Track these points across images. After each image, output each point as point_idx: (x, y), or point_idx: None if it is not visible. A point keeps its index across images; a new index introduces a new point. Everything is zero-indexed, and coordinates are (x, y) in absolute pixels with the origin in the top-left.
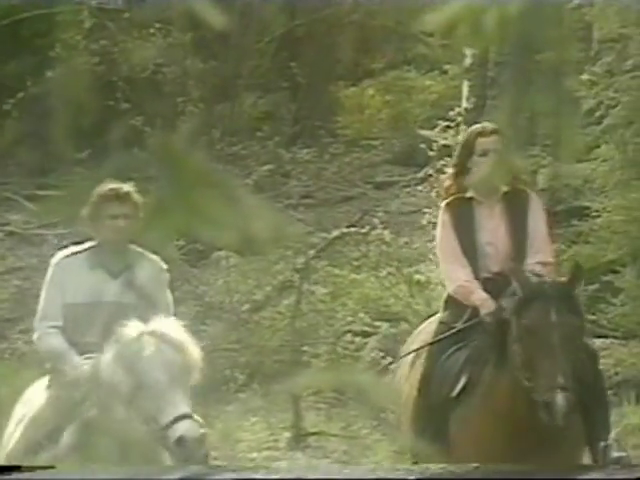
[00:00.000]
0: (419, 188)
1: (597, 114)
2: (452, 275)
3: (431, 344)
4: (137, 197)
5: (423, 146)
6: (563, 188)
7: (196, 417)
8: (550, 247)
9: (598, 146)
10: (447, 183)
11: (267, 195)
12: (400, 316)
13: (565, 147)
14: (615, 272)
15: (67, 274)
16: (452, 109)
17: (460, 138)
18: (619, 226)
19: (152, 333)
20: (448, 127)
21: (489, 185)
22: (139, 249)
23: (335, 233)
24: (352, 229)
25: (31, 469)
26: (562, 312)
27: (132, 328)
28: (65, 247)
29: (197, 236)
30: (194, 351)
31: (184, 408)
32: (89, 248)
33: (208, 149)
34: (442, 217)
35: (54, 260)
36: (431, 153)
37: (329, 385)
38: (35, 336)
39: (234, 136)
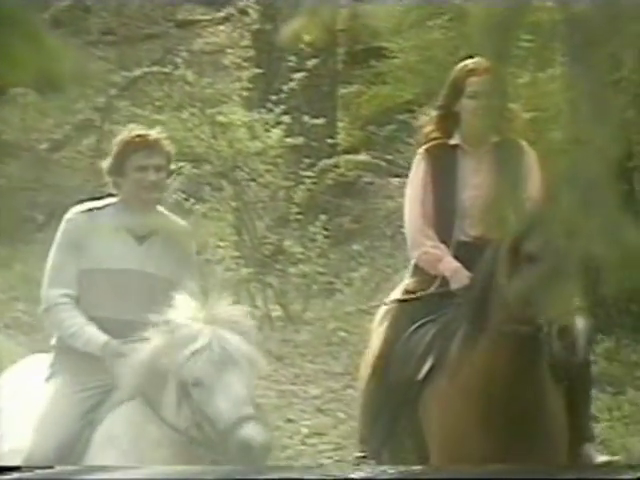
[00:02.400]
0: (221, 28)
1: None
2: (416, 238)
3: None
4: (168, 145)
5: None
6: (361, 28)
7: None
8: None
9: None
10: (428, 128)
11: (66, 31)
12: (203, 157)
13: None
14: (411, 112)
15: (84, 233)
16: None
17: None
18: (415, 66)
19: (211, 318)
20: None
21: (479, 132)
22: (166, 212)
23: (137, 72)
24: (154, 68)
25: (31, 469)
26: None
27: (186, 309)
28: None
29: None
30: (256, 338)
31: (248, 408)
32: (111, 205)
33: None
34: (418, 165)
35: (68, 215)
36: None
37: None
38: (42, 307)
39: None
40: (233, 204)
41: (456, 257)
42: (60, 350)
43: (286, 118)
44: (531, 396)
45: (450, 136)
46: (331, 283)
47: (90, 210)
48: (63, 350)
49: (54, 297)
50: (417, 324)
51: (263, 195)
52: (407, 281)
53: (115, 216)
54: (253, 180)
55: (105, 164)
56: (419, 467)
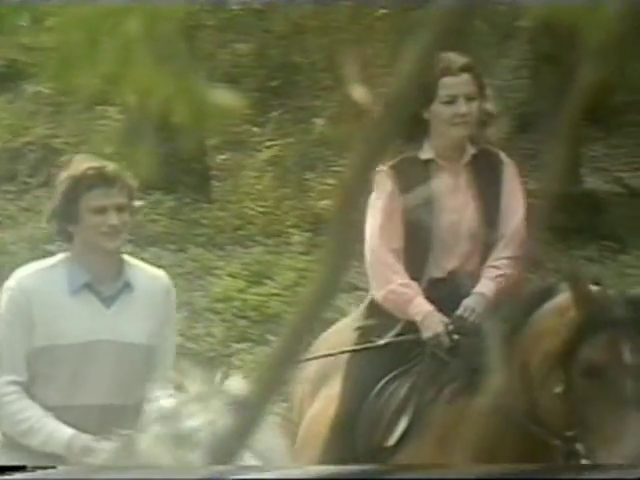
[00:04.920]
0: None
1: None
2: (382, 274)
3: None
4: (129, 178)
5: None
6: None
7: None
8: (523, 235)
9: None
10: None
11: None
12: None
13: None
14: None
15: (34, 302)
16: None
17: None
18: None
19: (217, 397)
20: None
21: (457, 144)
22: (134, 260)
23: None
24: None
25: (34, 469)
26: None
27: (181, 387)
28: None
29: None
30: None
31: None
32: (63, 261)
33: None
34: (382, 185)
35: (11, 282)
36: None
37: None
38: None
39: None
40: None
41: (427, 298)
42: (8, 446)
43: None
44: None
45: (418, 148)
46: None
47: (41, 271)
48: (12, 446)
49: None
50: (388, 377)
51: None
52: (360, 323)
53: (72, 275)
54: None
55: (50, 206)
56: (410, 464)
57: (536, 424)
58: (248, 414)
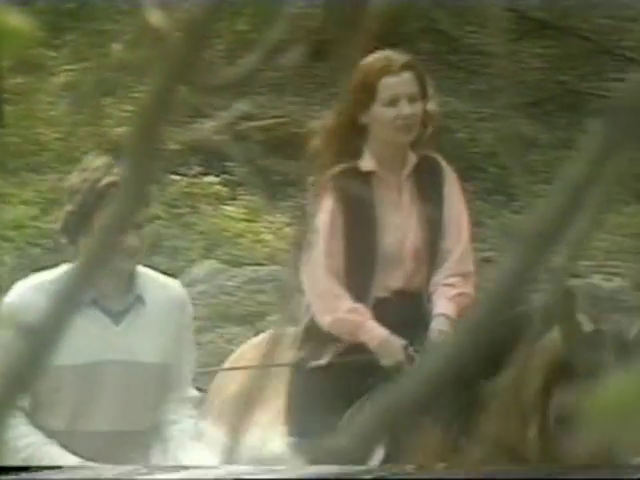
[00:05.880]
0: None
1: None
2: (325, 302)
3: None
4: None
5: None
6: None
7: None
8: (471, 249)
9: None
10: (323, 144)
11: None
12: None
13: None
14: None
15: (37, 320)
16: None
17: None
18: None
19: (251, 456)
20: None
21: (400, 152)
22: (147, 270)
23: None
24: None
25: (39, 469)
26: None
27: (204, 436)
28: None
29: None
30: None
31: None
32: (67, 275)
33: None
34: (323, 200)
35: (10, 298)
36: None
37: None
38: None
39: None
40: None
41: (374, 319)
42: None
43: None
44: None
45: (357, 157)
46: None
47: (39, 285)
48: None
49: None
50: (349, 411)
51: None
52: (297, 346)
53: (77, 289)
54: None
55: (60, 219)
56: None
57: (518, 461)
58: (39, 339)
